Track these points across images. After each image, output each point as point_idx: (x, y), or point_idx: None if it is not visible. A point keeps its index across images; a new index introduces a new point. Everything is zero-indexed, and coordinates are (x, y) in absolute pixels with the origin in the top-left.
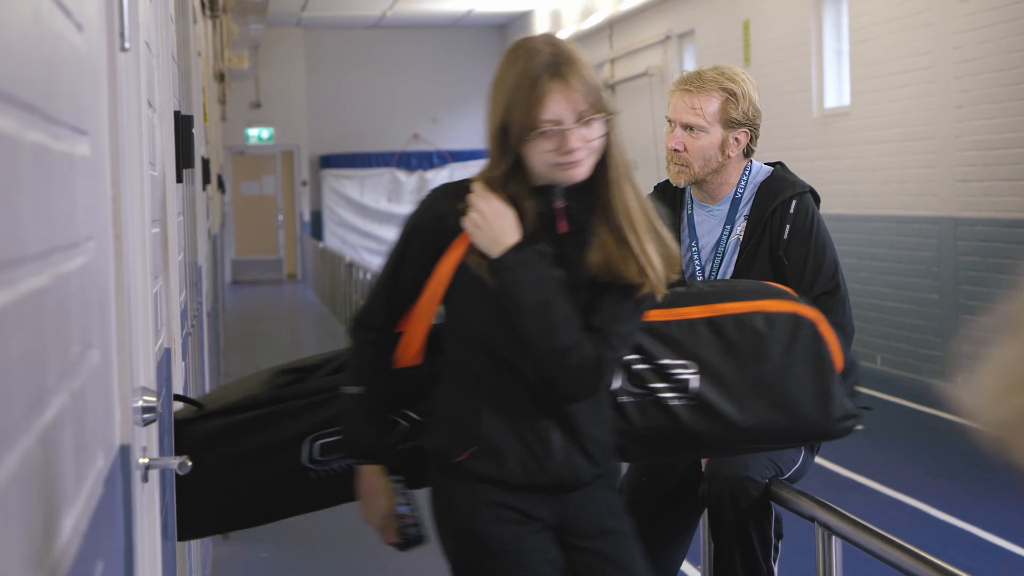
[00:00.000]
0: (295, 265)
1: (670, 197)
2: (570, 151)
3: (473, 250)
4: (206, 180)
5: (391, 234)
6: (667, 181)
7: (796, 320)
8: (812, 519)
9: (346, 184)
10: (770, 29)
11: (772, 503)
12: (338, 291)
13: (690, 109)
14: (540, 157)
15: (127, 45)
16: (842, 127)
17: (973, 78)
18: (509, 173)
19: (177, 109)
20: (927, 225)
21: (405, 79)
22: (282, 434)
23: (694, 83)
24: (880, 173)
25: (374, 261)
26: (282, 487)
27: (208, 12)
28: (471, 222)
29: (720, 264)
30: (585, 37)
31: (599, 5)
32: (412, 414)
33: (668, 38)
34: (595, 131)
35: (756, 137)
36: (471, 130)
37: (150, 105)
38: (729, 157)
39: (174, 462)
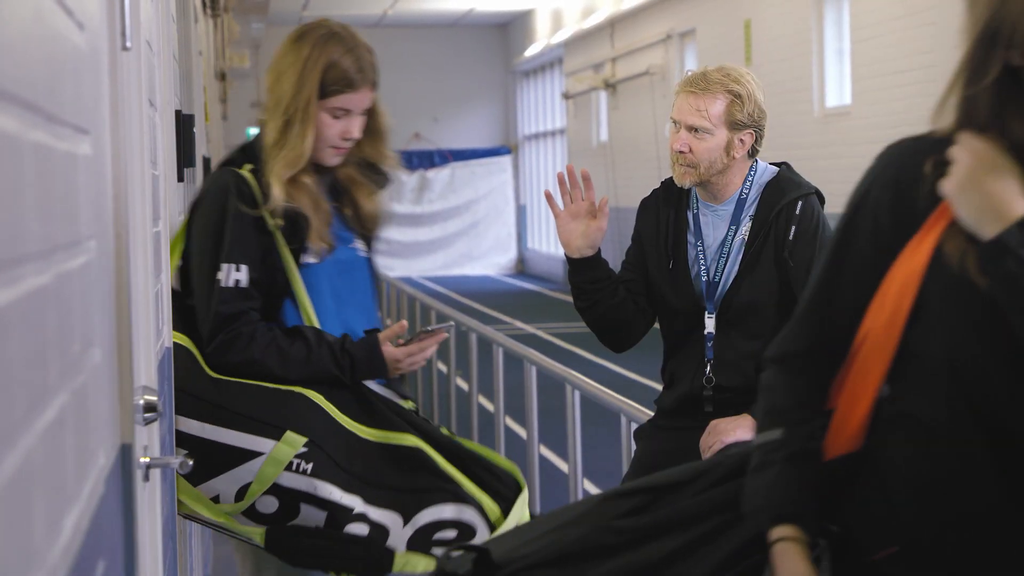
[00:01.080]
0: None
1: (675, 196)
2: None
3: (955, 230)
4: None
5: (393, 233)
6: (671, 179)
7: None
8: None
9: None
10: (771, 28)
11: None
12: None
13: (695, 111)
14: None
15: (128, 44)
16: (843, 126)
17: None
18: (1001, 106)
19: (178, 108)
20: None
21: (406, 78)
22: None
23: (699, 84)
24: None
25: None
26: None
27: (209, 11)
28: (952, 185)
29: (725, 264)
30: (586, 36)
31: (600, 4)
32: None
33: (669, 37)
34: None
35: (761, 138)
36: (472, 129)
37: (151, 104)
38: (734, 158)
39: (175, 461)
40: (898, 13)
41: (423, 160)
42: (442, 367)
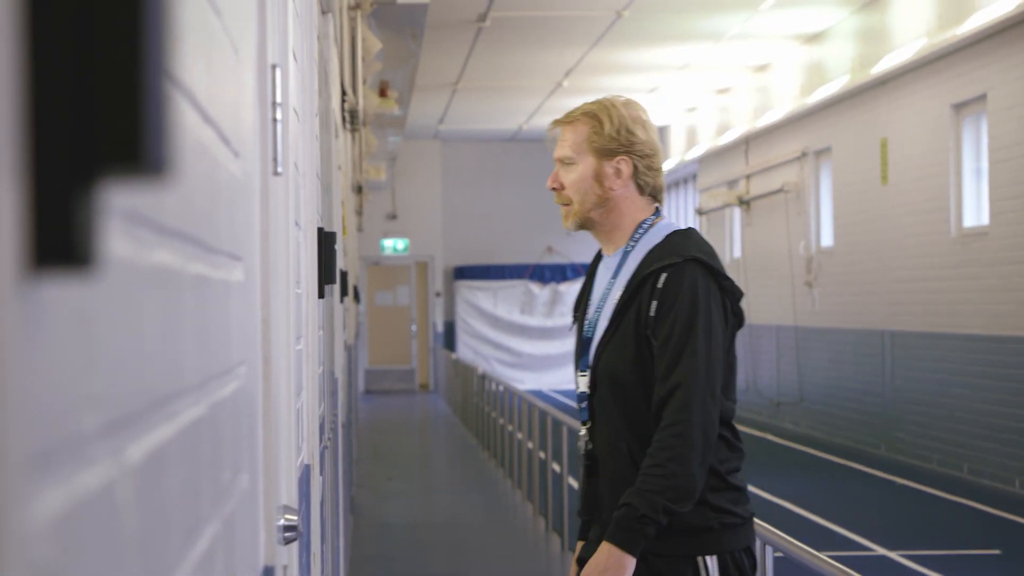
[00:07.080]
0: (427, 375)
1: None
2: None
3: None
4: (344, 292)
5: (524, 346)
6: None
7: None
8: None
9: (479, 295)
10: (908, 147)
11: None
12: (470, 402)
13: (560, 142)
14: None
15: (280, 169)
16: (980, 247)
17: None
18: None
19: (320, 225)
20: None
21: (540, 191)
22: None
23: (565, 118)
24: (1018, 294)
25: (506, 373)
26: None
27: (349, 126)
28: None
29: (597, 321)
30: (720, 153)
31: (735, 121)
32: None
33: (804, 155)
34: None
35: (649, 169)
36: None
37: (297, 224)
38: (612, 190)
39: None
40: None
41: (555, 274)
42: (556, 467)
